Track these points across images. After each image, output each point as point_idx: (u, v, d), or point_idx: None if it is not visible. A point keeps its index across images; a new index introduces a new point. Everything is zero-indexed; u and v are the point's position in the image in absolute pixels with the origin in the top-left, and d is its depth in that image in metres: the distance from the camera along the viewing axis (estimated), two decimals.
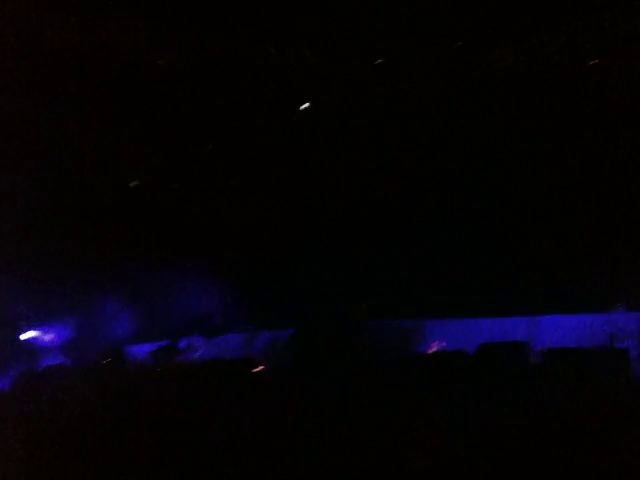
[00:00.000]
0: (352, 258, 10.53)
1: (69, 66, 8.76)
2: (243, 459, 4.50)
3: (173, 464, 4.51)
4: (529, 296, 9.05)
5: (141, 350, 10.91)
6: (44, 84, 9.00)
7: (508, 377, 6.55)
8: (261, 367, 9.12)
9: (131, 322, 11.37)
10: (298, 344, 7.05)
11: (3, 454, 4.38)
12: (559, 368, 6.71)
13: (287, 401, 5.27)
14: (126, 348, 10.90)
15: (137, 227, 11.07)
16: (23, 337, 11.05)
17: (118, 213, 11.08)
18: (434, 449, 4.26)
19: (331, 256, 10.68)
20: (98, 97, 9.34)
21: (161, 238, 11.23)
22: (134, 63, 8.86)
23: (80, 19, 8.42)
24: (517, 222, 9.51)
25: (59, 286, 10.99)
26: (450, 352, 9.27)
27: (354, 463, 4.27)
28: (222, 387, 6.49)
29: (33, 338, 11.19)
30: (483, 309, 9.49)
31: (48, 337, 11.25)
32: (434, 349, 9.76)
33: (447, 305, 9.87)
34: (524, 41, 8.55)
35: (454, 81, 9.15)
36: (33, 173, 10.03)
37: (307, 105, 9.73)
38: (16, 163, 9.70)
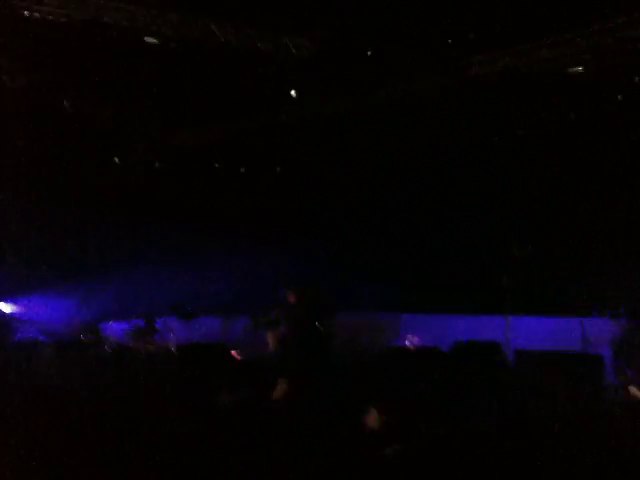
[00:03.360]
0: (332, 247, 10.57)
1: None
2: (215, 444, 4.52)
3: (146, 443, 4.51)
4: (505, 296, 9.13)
5: (117, 328, 10.88)
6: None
7: (481, 376, 6.61)
8: (235, 352, 9.13)
9: (108, 300, 11.33)
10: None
11: None
12: (532, 370, 6.78)
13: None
14: (102, 325, 10.88)
15: (119, 208, 11.07)
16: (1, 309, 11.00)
17: (103, 194, 11.08)
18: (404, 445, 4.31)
19: (313, 243, 10.72)
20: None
21: (140, 219, 11.22)
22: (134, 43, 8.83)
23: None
24: (500, 221, 9.59)
25: (39, 261, 10.94)
26: (424, 348, 9.32)
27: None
28: (194, 370, 6.50)
29: (10, 311, 11.13)
30: (459, 306, 9.56)
31: (25, 311, 11.20)
32: (408, 344, 9.82)
33: (424, 300, 9.92)
34: (523, 44, 8.63)
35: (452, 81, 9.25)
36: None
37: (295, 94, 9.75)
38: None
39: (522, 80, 8.37)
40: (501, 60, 8.47)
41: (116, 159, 11.46)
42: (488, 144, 9.43)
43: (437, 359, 8.17)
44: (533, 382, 5.88)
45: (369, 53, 8.91)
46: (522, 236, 9.29)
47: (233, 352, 9.43)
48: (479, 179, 9.73)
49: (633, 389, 6.32)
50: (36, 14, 8.19)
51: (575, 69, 8.48)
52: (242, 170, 11.48)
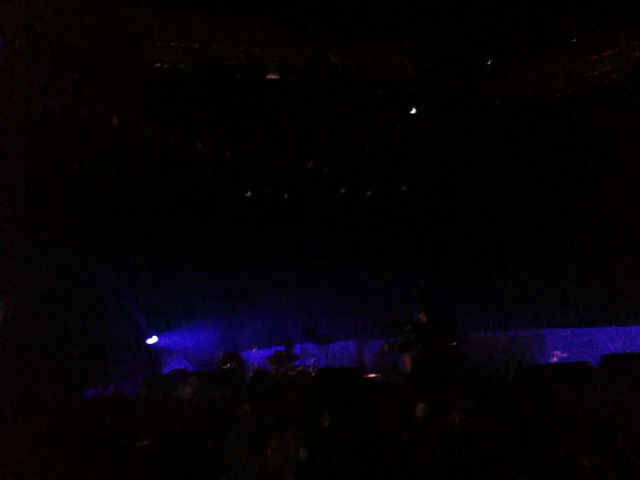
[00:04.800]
0: (466, 266, 10.31)
1: None
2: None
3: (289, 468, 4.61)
4: None
5: (258, 355, 11.23)
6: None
7: (634, 391, 6.17)
8: (373, 375, 9.13)
9: (249, 328, 11.73)
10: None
11: (135, 454, 4.66)
12: None
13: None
14: (244, 353, 11.25)
15: (253, 240, 11.48)
16: (149, 342, 11.68)
17: (240, 228, 11.57)
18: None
19: (445, 262, 10.53)
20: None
21: (276, 250, 11.58)
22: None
23: None
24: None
25: (183, 294, 11.54)
26: (573, 363, 8.85)
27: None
28: (333, 394, 6.56)
29: (158, 344, 11.79)
30: (605, 317, 9.01)
31: (172, 343, 11.82)
32: (555, 359, 9.37)
33: (568, 313, 9.45)
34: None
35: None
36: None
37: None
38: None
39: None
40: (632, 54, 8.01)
41: (248, 192, 11.91)
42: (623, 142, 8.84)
43: (587, 375, 7.73)
44: None
45: (489, 62, 8.75)
46: None
47: (371, 375, 9.44)
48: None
49: None
50: (166, 65, 8.79)
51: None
52: (368, 193, 11.54)
